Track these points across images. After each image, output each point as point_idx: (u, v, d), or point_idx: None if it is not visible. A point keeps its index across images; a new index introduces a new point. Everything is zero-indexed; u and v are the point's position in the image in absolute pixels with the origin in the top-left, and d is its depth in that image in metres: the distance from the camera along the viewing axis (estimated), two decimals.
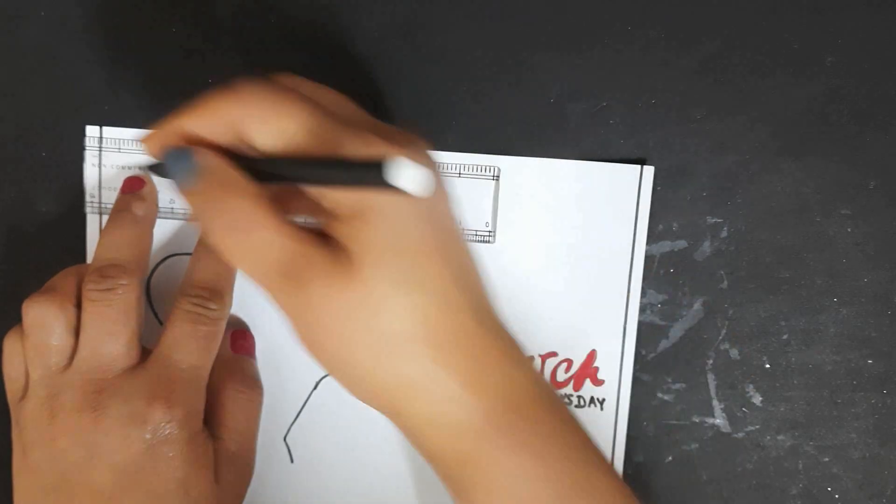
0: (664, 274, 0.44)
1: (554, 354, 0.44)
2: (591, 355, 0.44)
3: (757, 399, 0.45)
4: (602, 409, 0.44)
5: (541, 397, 0.33)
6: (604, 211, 0.43)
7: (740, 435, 0.45)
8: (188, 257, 0.42)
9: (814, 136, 0.43)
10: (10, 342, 0.38)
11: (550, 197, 0.43)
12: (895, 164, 0.43)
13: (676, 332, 0.44)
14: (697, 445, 0.45)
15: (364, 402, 0.34)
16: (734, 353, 0.45)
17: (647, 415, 0.45)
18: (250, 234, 0.31)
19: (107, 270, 0.38)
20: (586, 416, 0.44)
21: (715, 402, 0.45)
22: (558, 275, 0.43)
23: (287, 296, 0.31)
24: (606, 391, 0.44)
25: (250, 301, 0.43)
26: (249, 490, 0.42)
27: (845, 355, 0.45)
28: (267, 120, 0.31)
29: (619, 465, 0.44)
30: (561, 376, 0.44)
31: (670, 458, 0.46)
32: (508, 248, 0.43)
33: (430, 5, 0.42)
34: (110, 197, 0.42)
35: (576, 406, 0.44)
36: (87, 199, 0.43)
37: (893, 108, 0.43)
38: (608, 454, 0.44)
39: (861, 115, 0.43)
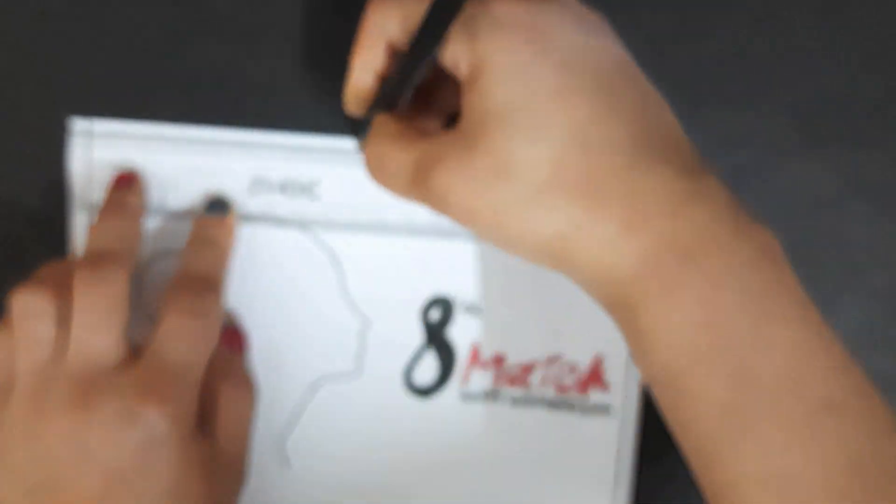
0: None
1: (558, 359, 0.43)
2: (597, 358, 0.43)
3: None
4: (609, 414, 0.43)
5: (716, 238, 0.30)
6: None
7: None
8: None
9: (829, 131, 0.42)
10: None
11: None
12: None
13: None
14: None
15: (534, 262, 0.33)
16: None
17: (656, 422, 0.43)
18: (386, 162, 0.33)
19: (98, 261, 0.37)
20: (592, 422, 0.43)
21: None
22: (561, 275, 0.42)
23: (426, 197, 0.32)
24: (613, 396, 0.43)
25: (246, 301, 0.43)
26: (246, 497, 0.41)
27: (862, 356, 0.42)
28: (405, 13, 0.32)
29: (626, 473, 0.43)
30: (565, 380, 0.43)
31: (680, 467, 0.44)
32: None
33: None
34: (101, 194, 0.42)
35: (581, 412, 0.43)
36: (77, 195, 0.42)
37: None
38: (614, 463, 0.43)
39: (879, 110, 0.42)
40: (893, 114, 0.42)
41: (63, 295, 0.37)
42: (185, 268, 0.39)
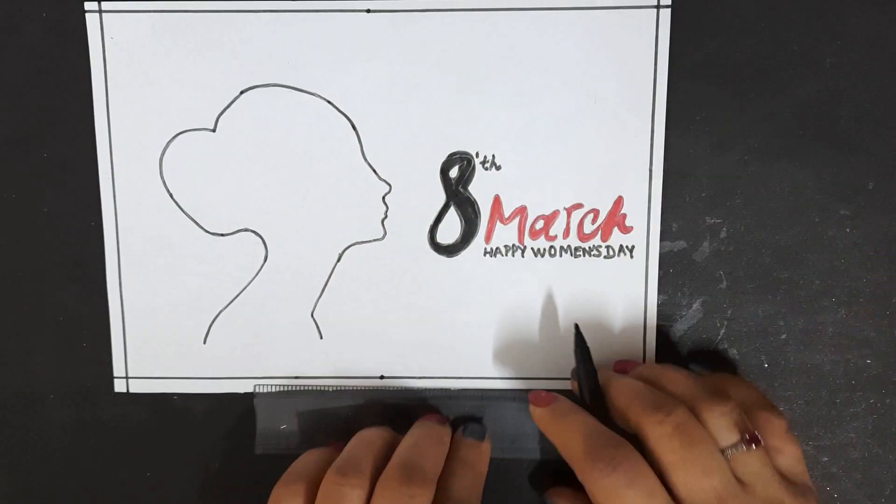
0: (664, 274, 0.44)
1: (580, 206, 0.43)
2: (618, 202, 0.43)
3: None
4: (632, 256, 0.43)
5: None
6: (622, 55, 0.42)
7: None
8: (201, 133, 0.42)
9: (813, 137, 0.42)
10: None
11: (566, 46, 0.42)
12: (894, 165, 0.42)
13: (676, 332, 0.44)
14: None
15: None
16: (733, 353, 0.44)
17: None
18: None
19: (413, 474, 0.37)
20: (616, 266, 0.44)
21: None
22: (580, 123, 0.42)
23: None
24: (635, 238, 0.43)
25: (273, 167, 0.43)
26: (280, 369, 0.44)
27: (844, 355, 0.44)
28: None
29: (651, 314, 0.44)
30: (588, 227, 0.43)
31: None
32: (526, 99, 0.42)
33: None
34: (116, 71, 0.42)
35: (605, 257, 0.44)
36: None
37: (892, 109, 0.42)
38: (640, 303, 0.44)
39: (860, 117, 0.42)
40: (875, 119, 0.42)
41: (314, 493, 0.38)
42: (445, 489, 0.39)
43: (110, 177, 0.43)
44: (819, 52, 0.42)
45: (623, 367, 0.42)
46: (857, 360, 0.44)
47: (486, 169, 0.43)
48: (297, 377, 0.45)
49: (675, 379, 0.39)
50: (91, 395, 0.45)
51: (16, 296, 0.44)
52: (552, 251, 0.44)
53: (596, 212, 0.43)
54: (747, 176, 0.43)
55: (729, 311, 0.44)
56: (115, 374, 0.45)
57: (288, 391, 0.44)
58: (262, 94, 0.42)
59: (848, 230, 0.43)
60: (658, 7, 0.41)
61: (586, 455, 0.35)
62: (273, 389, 0.44)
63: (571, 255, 0.44)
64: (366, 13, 0.41)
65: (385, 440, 0.41)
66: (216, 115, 0.42)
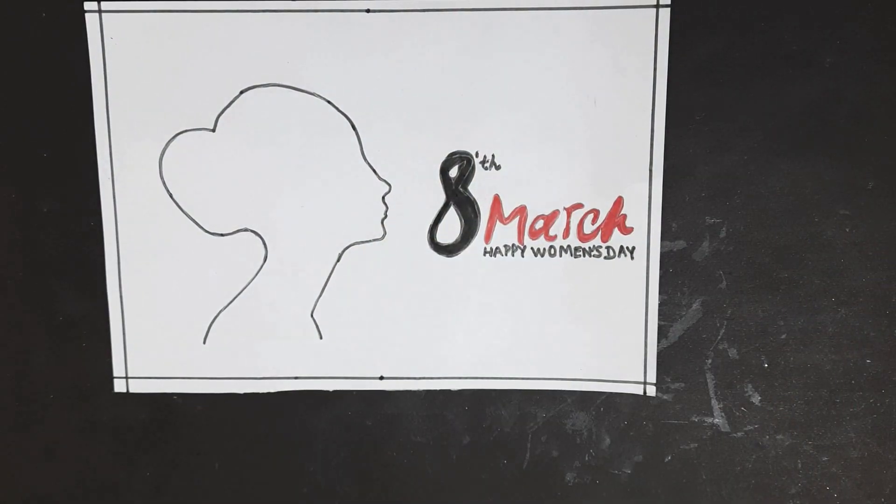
0: (663, 274, 0.44)
1: (580, 206, 0.43)
2: (618, 202, 0.43)
3: (755, 398, 0.45)
4: (633, 258, 0.44)
5: None
6: (621, 55, 0.42)
7: (739, 434, 0.45)
8: (201, 133, 0.42)
9: (812, 137, 0.42)
10: None
11: (566, 46, 0.42)
12: (894, 164, 0.42)
13: (676, 331, 0.44)
14: (697, 445, 0.45)
15: None
16: (733, 352, 0.44)
17: (646, 414, 0.45)
18: None
19: None
20: (616, 267, 0.44)
21: (714, 402, 0.45)
22: (580, 123, 0.42)
23: None
24: (636, 239, 0.43)
25: (274, 166, 0.43)
26: (280, 369, 0.43)
27: (843, 355, 0.44)
28: None
29: (653, 314, 0.44)
30: (588, 228, 0.43)
31: (669, 457, 0.45)
32: (526, 99, 0.42)
33: None
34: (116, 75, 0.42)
35: (605, 258, 0.44)
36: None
37: (892, 110, 0.42)
38: (640, 304, 0.44)
39: (859, 117, 0.42)
40: (874, 119, 0.42)
41: None
42: None
43: (110, 177, 0.43)
44: (819, 52, 0.42)
45: None
46: (856, 360, 0.44)
47: (486, 169, 0.43)
48: (297, 377, 0.45)
49: None
50: (91, 395, 0.45)
51: (15, 295, 0.44)
52: (552, 251, 0.44)
53: (596, 212, 0.43)
54: (747, 176, 0.43)
55: (729, 311, 0.44)
56: (115, 374, 0.45)
57: None
58: (262, 94, 0.42)
59: (848, 230, 0.43)
60: (658, 7, 0.41)
61: None
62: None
63: (571, 255, 0.44)
64: (366, 13, 0.42)
65: None
66: (216, 115, 0.43)
